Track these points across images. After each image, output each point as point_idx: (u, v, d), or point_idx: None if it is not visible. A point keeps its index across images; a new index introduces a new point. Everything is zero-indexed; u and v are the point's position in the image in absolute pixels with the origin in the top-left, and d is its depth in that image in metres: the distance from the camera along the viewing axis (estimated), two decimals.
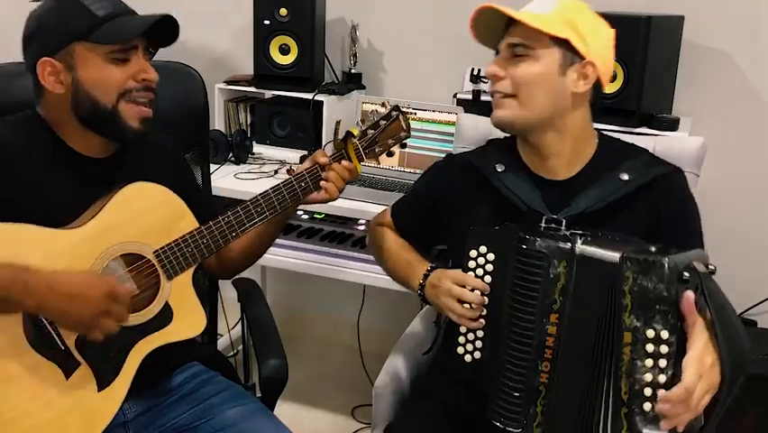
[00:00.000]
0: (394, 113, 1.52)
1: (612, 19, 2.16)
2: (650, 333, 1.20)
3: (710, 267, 1.24)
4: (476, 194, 1.52)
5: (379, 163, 1.56)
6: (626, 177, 1.42)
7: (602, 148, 1.49)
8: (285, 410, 1.57)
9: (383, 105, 1.54)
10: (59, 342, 1.30)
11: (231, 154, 2.61)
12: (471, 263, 1.40)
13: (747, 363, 1.22)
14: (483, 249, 1.38)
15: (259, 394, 1.60)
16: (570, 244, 1.29)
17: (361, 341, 2.71)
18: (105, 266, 1.34)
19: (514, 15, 1.37)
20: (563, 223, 1.36)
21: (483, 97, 2.44)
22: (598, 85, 1.41)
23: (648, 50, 2.11)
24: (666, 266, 1.18)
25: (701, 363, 1.17)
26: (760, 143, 2.38)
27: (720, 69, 2.36)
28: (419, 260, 1.56)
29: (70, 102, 1.37)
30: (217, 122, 2.76)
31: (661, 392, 1.18)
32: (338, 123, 1.52)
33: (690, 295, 1.18)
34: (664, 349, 1.20)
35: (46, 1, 1.38)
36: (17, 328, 1.27)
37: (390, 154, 1.55)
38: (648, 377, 1.20)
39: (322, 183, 1.46)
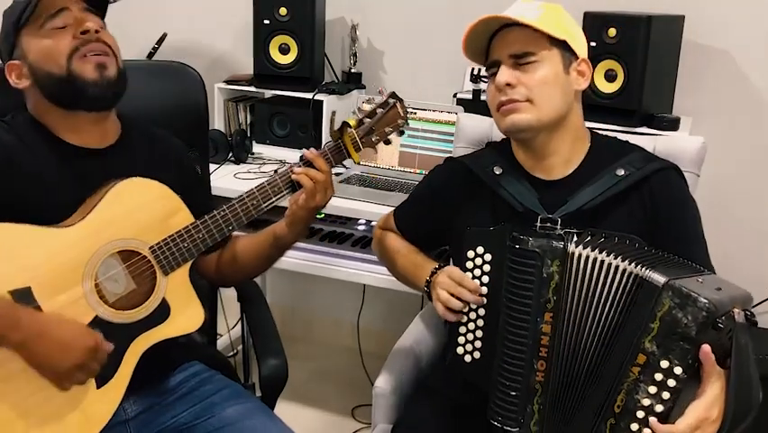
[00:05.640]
0: (391, 100, 1.52)
1: (612, 19, 2.19)
2: (664, 363, 1.20)
3: (748, 313, 1.21)
4: (474, 196, 1.53)
5: (376, 152, 1.55)
6: (621, 172, 1.43)
7: (595, 146, 1.50)
8: (285, 410, 1.57)
9: (380, 92, 1.53)
10: None
11: (230, 154, 2.60)
12: (469, 264, 1.41)
13: (749, 418, 1.20)
14: (480, 249, 1.40)
15: (258, 394, 1.59)
16: (562, 243, 1.31)
17: (360, 341, 2.71)
18: (101, 263, 1.34)
19: (521, 20, 1.37)
20: (558, 222, 1.37)
21: (483, 97, 2.44)
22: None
23: (648, 50, 2.12)
24: (705, 308, 1.17)
25: (705, 414, 1.18)
26: (760, 143, 2.38)
27: (720, 69, 2.36)
28: (426, 260, 1.58)
29: (38, 89, 1.39)
30: (217, 121, 2.76)
31: (652, 420, 1.20)
32: (334, 113, 1.51)
33: (706, 349, 1.17)
34: (671, 383, 1.20)
35: None
36: None
37: (387, 143, 1.54)
38: (646, 402, 1.22)
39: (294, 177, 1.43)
